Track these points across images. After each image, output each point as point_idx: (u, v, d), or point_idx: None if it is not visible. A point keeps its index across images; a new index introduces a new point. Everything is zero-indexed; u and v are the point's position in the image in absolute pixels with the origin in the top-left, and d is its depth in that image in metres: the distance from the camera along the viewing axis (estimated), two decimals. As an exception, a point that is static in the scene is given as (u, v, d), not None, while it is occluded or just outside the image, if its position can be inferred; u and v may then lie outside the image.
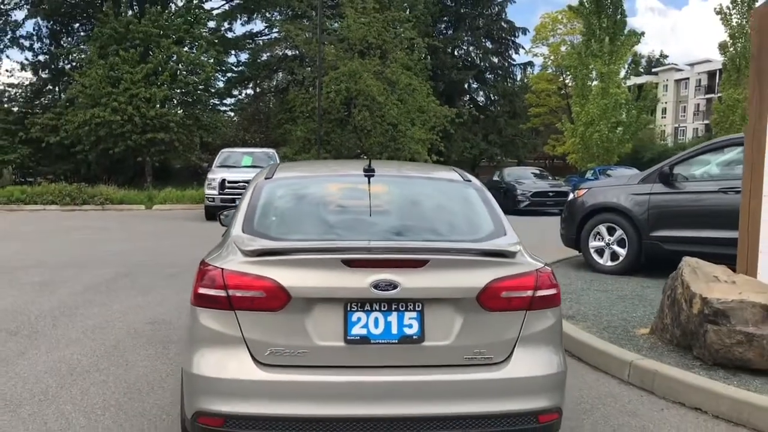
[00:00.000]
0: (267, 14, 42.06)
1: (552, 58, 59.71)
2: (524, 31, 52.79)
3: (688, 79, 72.89)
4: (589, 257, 8.67)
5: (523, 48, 55.39)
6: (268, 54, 42.45)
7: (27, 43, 37.14)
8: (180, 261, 9.56)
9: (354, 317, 2.78)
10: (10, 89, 36.54)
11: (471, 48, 51.46)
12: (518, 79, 56.19)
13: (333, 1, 35.72)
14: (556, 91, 58.86)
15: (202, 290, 2.86)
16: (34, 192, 21.80)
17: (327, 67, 29.73)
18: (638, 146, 43.80)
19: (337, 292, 2.77)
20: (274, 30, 41.34)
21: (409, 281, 2.77)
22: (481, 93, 53.18)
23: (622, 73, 36.39)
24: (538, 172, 25.98)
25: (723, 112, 37.40)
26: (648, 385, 4.56)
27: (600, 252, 8.57)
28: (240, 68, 42.39)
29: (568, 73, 39.12)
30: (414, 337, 2.80)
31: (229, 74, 40.91)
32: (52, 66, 36.94)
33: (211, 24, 36.32)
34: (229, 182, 16.93)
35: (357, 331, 2.78)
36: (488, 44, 51.23)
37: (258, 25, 42.86)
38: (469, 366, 2.84)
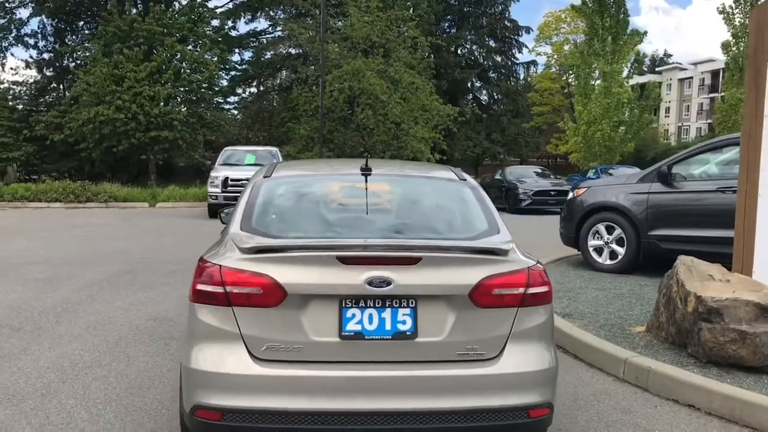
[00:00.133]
0: (271, 13, 42.27)
1: (555, 57, 59.72)
2: (528, 30, 52.90)
3: (691, 78, 72.75)
4: (587, 256, 8.72)
5: (526, 47, 55.38)
6: (271, 52, 42.62)
7: (32, 41, 37.46)
8: (182, 258, 9.63)
9: (349, 313, 2.84)
10: (14, 87, 36.82)
11: (474, 47, 51.52)
12: (521, 78, 56.38)
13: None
14: (559, 90, 58.87)
15: (200, 286, 2.92)
16: (38, 189, 21.90)
17: (330, 65, 29.77)
18: (641, 145, 43.85)
19: (332, 288, 2.83)
20: (278, 28, 41.51)
21: (403, 278, 2.83)
22: (484, 92, 53.28)
23: (625, 73, 36.34)
24: (540, 171, 25.98)
25: (726, 112, 37.39)
26: (642, 382, 4.61)
27: (599, 251, 8.62)
28: (244, 66, 42.58)
29: (570, 72, 39.03)
30: (407, 333, 2.86)
31: (232, 72, 41.18)
32: (57, 64, 37.13)
33: (215, 22, 36.54)
34: (232, 180, 16.99)
35: (351, 327, 2.84)
36: (491, 43, 51.27)
37: (262, 24, 43.19)
38: (461, 362, 2.90)
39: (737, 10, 35.14)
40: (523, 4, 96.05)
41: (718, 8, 33.30)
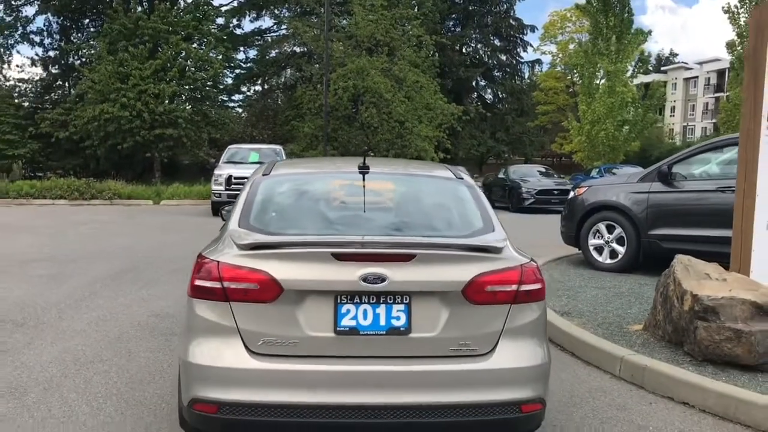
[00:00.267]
0: (275, 11, 42.35)
1: (560, 56, 59.63)
2: (533, 28, 52.97)
3: (697, 77, 72.63)
4: (588, 255, 8.75)
5: (531, 46, 55.59)
6: (276, 51, 42.70)
7: (37, 39, 37.59)
8: (185, 255, 9.66)
9: (344, 309, 2.89)
10: (20, 84, 36.96)
11: (479, 45, 51.59)
12: (526, 76, 56.33)
13: (341, -2, 35.87)
14: (564, 89, 58.77)
15: (198, 282, 2.97)
16: (43, 186, 22.01)
17: (335, 64, 29.82)
18: (646, 145, 43.76)
19: (328, 284, 2.88)
20: (283, 27, 41.59)
21: (397, 275, 2.87)
22: (489, 90, 53.28)
23: (629, 72, 36.28)
24: (543, 170, 26.01)
25: (730, 112, 37.27)
26: (638, 379, 4.65)
27: (599, 250, 8.64)
28: (248, 65, 42.69)
29: (575, 71, 39.00)
30: (401, 328, 2.90)
31: (237, 71, 41.27)
32: (62, 62, 37.25)
33: (220, 20, 36.59)
34: (236, 178, 17.05)
35: (346, 322, 2.89)
36: (496, 42, 51.30)
37: (267, 22, 43.05)
38: (454, 357, 2.95)
39: (742, 9, 35.02)
40: (528, 3, 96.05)
41: (723, 7, 33.20)
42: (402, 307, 2.91)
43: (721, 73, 64.53)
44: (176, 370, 4.24)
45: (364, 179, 3.52)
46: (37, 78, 37.55)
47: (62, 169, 30.33)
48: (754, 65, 5.57)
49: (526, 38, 52.40)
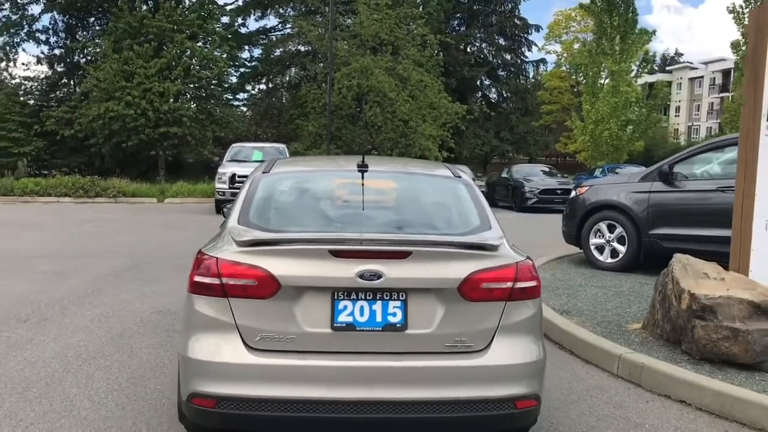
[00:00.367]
0: (280, 10, 42.38)
1: (565, 55, 59.53)
2: (537, 28, 52.86)
3: (702, 77, 72.42)
4: (589, 254, 8.77)
5: (536, 45, 55.24)
6: (280, 50, 42.73)
7: (43, 37, 37.68)
8: (188, 253, 9.62)
9: (340, 305, 2.93)
10: (26, 82, 37.11)
11: (484, 45, 51.47)
12: (531, 76, 56.18)
13: (346, -3, 35.88)
14: (568, 89, 58.66)
15: (197, 278, 3.01)
16: (48, 184, 22.11)
17: (339, 63, 29.84)
18: (650, 145, 43.67)
19: (325, 281, 2.92)
20: (287, 26, 41.63)
21: (393, 272, 2.91)
22: (494, 90, 53.18)
23: (634, 72, 36.20)
24: (547, 169, 26.02)
25: (734, 112, 37.08)
26: (636, 378, 4.67)
27: (600, 249, 8.66)
28: (253, 63, 42.77)
29: (579, 70, 38.92)
30: (397, 325, 2.94)
31: (242, 69, 41.33)
32: (68, 60, 37.36)
33: (225, 19, 36.66)
34: (239, 176, 17.06)
35: (343, 318, 2.92)
36: (501, 41, 51.19)
37: (271, 21, 43.17)
38: (450, 353, 2.98)
39: (747, 9, 34.92)
40: (533, 2, 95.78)
41: (728, 7, 33.06)
42: (398, 303, 2.95)
43: (726, 73, 64.35)
44: (177, 366, 4.30)
45: (362, 177, 3.56)
46: (43, 76, 37.72)
47: (67, 167, 30.37)
48: (754, 65, 5.58)
49: (530, 38, 52.27)
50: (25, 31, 37.00)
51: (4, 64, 38.14)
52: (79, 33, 38.58)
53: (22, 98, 35.30)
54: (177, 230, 13.72)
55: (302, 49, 40.62)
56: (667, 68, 76.93)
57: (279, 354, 2.91)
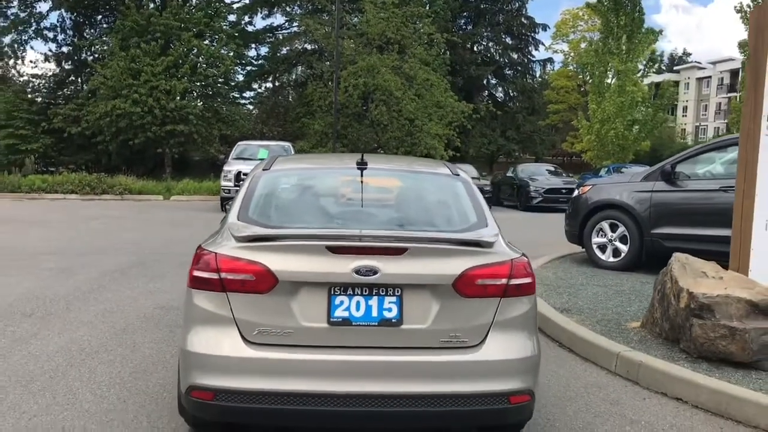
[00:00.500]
0: (287, 8, 42.44)
1: (572, 54, 59.42)
2: (544, 27, 52.74)
3: (710, 77, 72.21)
4: (591, 253, 8.79)
5: (543, 44, 55.27)
6: (287, 48, 42.80)
7: (51, 35, 37.80)
8: (193, 250, 9.72)
9: (337, 300, 2.97)
10: (33, 80, 37.27)
11: (490, 44, 51.43)
12: (538, 75, 56.10)
13: (352, -5, 35.91)
14: (575, 88, 58.55)
15: (197, 273, 3.07)
16: (55, 181, 22.27)
17: (345, 61, 29.89)
18: (657, 144, 43.58)
19: (322, 276, 2.96)
20: (294, 24, 41.69)
21: (389, 267, 2.95)
22: (500, 89, 53.10)
23: (640, 71, 36.12)
24: (552, 169, 26.02)
25: (740, 112, 36.99)
26: (633, 375, 4.71)
27: (602, 248, 8.69)
28: (260, 62, 42.87)
29: (586, 70, 38.86)
30: (393, 320, 2.98)
31: (248, 68, 41.45)
32: (75, 57, 37.48)
33: (232, 17, 36.76)
34: (245, 174, 17.01)
35: (339, 313, 2.97)
36: (508, 40, 51.14)
37: (278, 19, 43.09)
38: (444, 348, 3.02)
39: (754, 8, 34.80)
40: (541, 2, 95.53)
41: (735, 7, 32.90)
42: (394, 299, 2.99)
43: (734, 73, 64.10)
44: (178, 360, 4.36)
45: (361, 175, 3.60)
46: (50, 74, 37.87)
47: (74, 164, 30.52)
48: (754, 65, 5.60)
49: (537, 37, 52.19)
50: (33, 28, 37.17)
51: (12, 61, 38.44)
52: (87, 31, 38.71)
53: (29, 96, 35.41)
54: (182, 227, 13.79)
55: (309, 47, 40.71)
56: (674, 68, 76.72)
57: (276, 348, 2.95)
